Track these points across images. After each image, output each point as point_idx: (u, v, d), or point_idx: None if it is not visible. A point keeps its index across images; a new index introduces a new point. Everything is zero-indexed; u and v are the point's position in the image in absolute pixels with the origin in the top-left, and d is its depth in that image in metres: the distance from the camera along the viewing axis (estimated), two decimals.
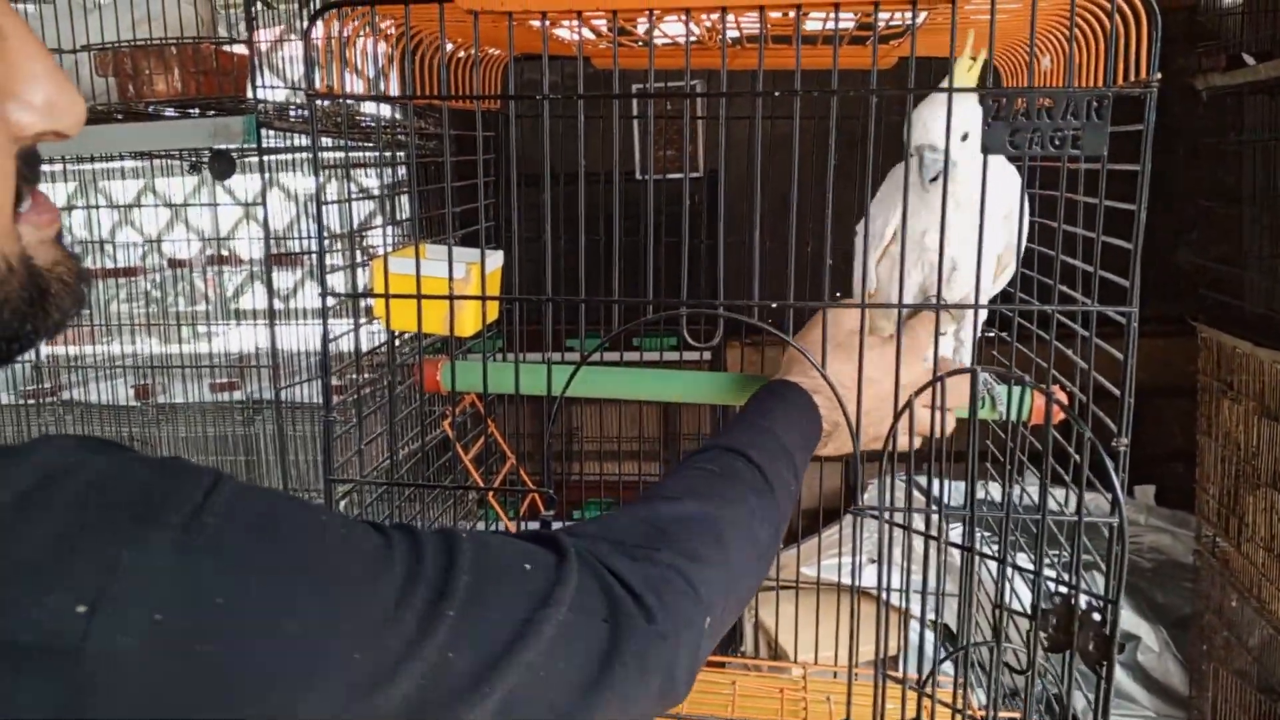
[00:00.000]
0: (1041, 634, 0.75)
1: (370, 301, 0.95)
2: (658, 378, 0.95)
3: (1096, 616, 0.72)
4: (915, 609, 2.13)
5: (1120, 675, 2.29)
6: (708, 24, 0.95)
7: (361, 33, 0.82)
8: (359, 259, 1.08)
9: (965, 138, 0.82)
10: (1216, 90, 1.97)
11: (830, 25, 0.93)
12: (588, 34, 0.97)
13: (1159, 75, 0.79)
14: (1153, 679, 2.29)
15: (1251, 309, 2.04)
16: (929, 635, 2.18)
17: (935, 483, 0.92)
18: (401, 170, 1.79)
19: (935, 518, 0.84)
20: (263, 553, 0.39)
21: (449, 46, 0.97)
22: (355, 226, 0.92)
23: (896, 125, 0.88)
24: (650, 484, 0.68)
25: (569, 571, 0.49)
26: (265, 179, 1.20)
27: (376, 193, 2.25)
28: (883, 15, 0.88)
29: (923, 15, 0.89)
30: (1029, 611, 0.77)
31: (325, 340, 0.81)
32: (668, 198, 0.79)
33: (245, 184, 2.68)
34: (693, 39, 0.99)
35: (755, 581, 0.65)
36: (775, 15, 0.87)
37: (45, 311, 0.41)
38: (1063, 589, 0.76)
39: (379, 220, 2.30)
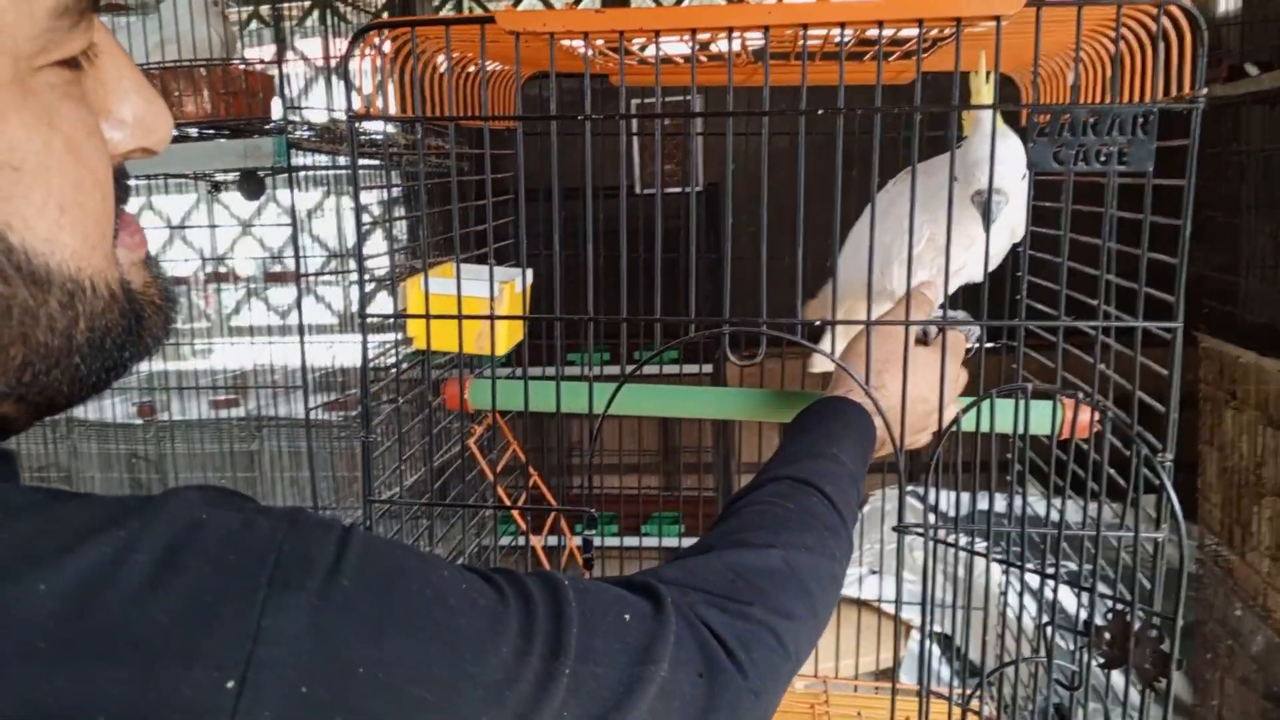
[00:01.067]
0: (1095, 650, 0.74)
1: (403, 321, 0.94)
2: (704, 396, 0.95)
3: (1154, 634, 0.72)
4: (928, 623, 2.12)
5: (1123, 684, 2.29)
6: (721, 44, 0.95)
7: (395, 55, 0.81)
8: (377, 279, 1.07)
9: (1024, 176, 0.84)
10: (1217, 100, 1.99)
11: (837, 41, 0.94)
12: (621, 51, 0.97)
13: (1205, 90, 0.80)
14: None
15: (1252, 318, 2.06)
16: (935, 651, 2.18)
17: (968, 497, 0.91)
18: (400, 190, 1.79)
19: (973, 534, 0.83)
20: (397, 616, 0.39)
21: (457, 65, 0.96)
22: (387, 247, 0.90)
23: (896, 141, 0.88)
24: (724, 516, 0.67)
25: (667, 624, 0.49)
26: (293, 197, 1.19)
27: (387, 214, 2.24)
28: (892, 32, 0.89)
29: (932, 32, 0.89)
30: (1079, 628, 0.77)
31: (365, 362, 0.80)
32: (666, 213, 0.80)
33: (243, 203, 2.66)
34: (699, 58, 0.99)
35: (828, 623, 0.65)
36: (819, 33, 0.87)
37: (140, 337, 0.40)
38: (1113, 605, 0.75)
39: (386, 242, 2.29)
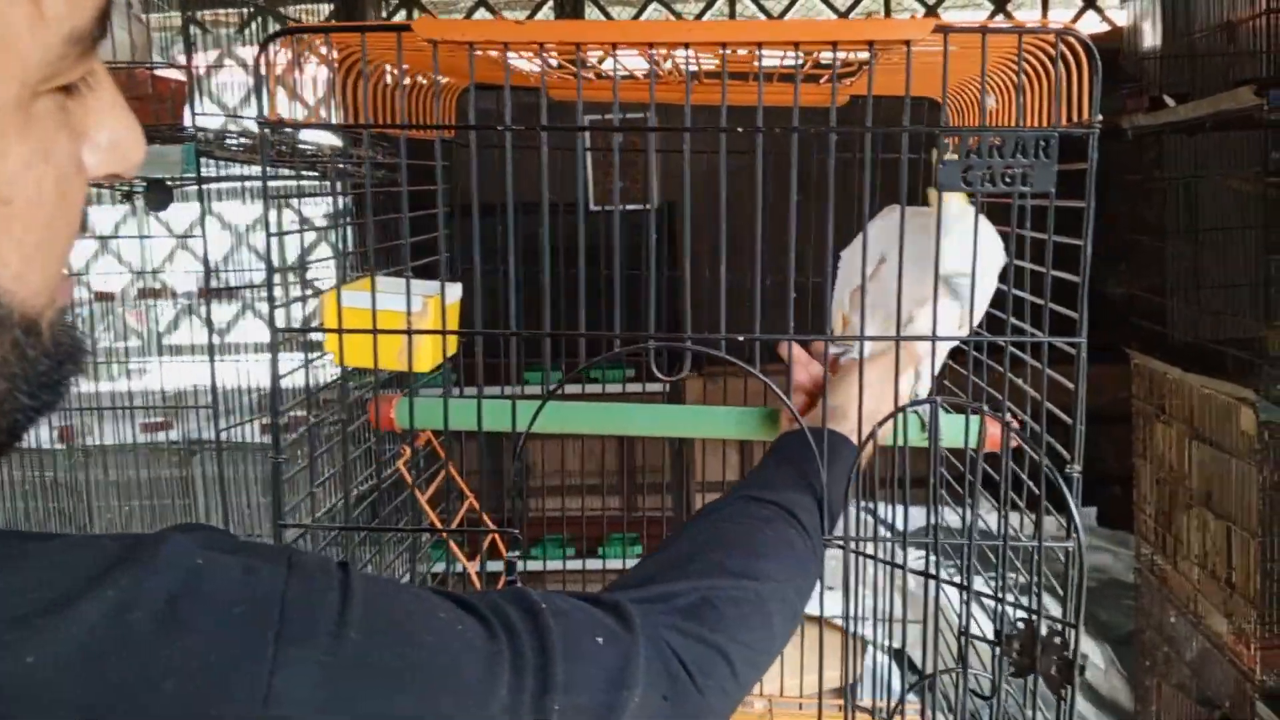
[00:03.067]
0: (1006, 660, 0.75)
1: (321, 336, 0.93)
2: (643, 413, 0.94)
3: (1058, 640, 0.73)
4: (877, 637, 2.14)
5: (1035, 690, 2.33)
6: (667, 61, 0.96)
7: (314, 60, 0.80)
8: (306, 293, 1.05)
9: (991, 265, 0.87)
10: (1140, 130, 2.07)
11: (788, 63, 0.95)
12: (549, 64, 0.97)
13: (1100, 117, 0.83)
14: (1100, 695, 2.34)
15: (1178, 336, 2.13)
16: (883, 661, 2.19)
17: (895, 510, 0.93)
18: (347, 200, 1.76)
19: (896, 545, 0.84)
20: (405, 668, 0.39)
21: (405, 76, 0.95)
22: (301, 259, 0.89)
23: (848, 161, 0.90)
24: (701, 525, 0.67)
25: (636, 646, 0.50)
26: (204, 208, 1.16)
27: (318, 223, 2.21)
28: (840, 54, 0.91)
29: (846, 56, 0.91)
30: (991, 638, 0.78)
31: (275, 378, 0.78)
32: (621, 230, 0.80)
33: (179, 213, 2.60)
34: (653, 73, 1.00)
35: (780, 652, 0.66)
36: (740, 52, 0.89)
37: (56, 388, 0.36)
38: (1023, 614, 0.77)
39: (322, 253, 2.26)
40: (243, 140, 1.37)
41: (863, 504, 0.83)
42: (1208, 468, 1.91)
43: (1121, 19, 2.68)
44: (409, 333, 0.82)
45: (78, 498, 2.22)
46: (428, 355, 0.92)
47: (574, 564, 2.23)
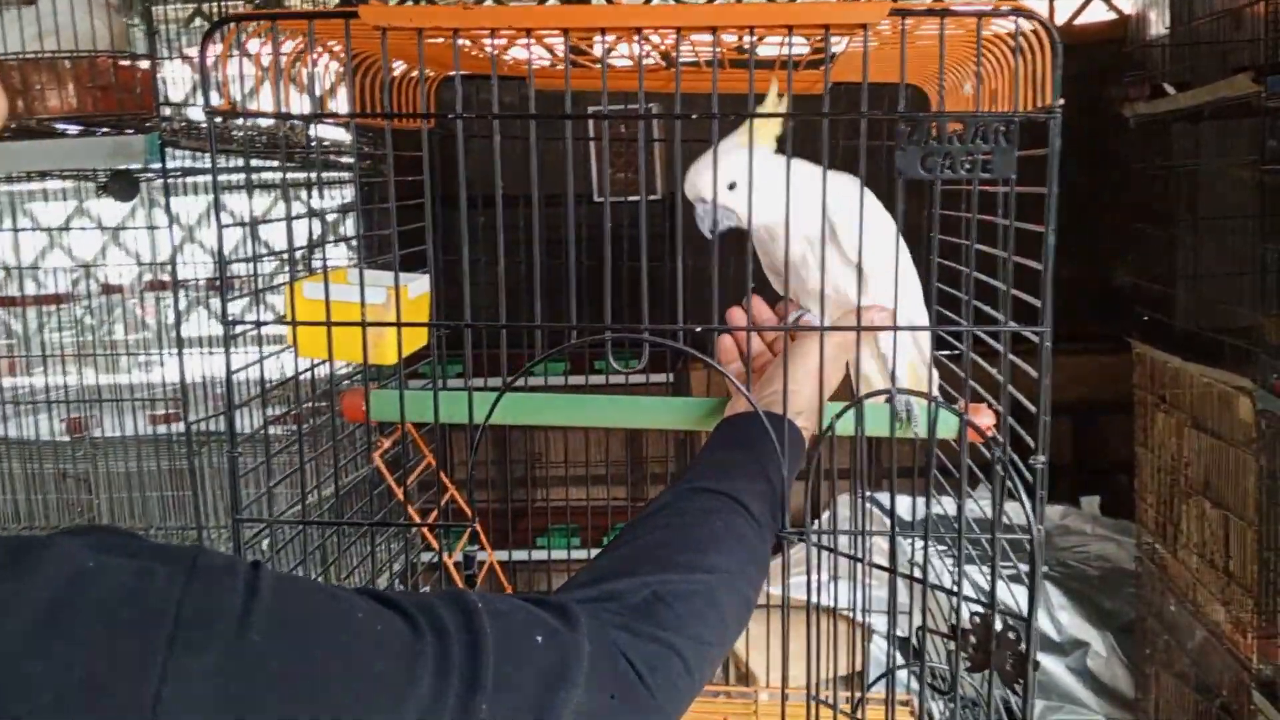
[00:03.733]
0: (962, 654, 0.75)
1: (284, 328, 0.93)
2: (611, 405, 0.94)
3: (1012, 635, 0.73)
4: (877, 626, 2.13)
5: (1070, 681, 2.32)
6: (660, 45, 0.96)
7: (266, 50, 0.80)
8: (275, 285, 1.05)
9: (733, 186, 0.85)
10: (1143, 118, 2.03)
11: (783, 50, 0.95)
12: (538, 54, 0.97)
13: (1062, 101, 0.81)
14: (1101, 683, 2.33)
15: (1181, 326, 2.10)
16: (876, 652, 2.18)
17: (862, 503, 0.92)
18: (325, 192, 1.77)
19: (862, 539, 0.84)
20: (311, 669, 0.38)
21: (390, 66, 0.96)
22: (257, 250, 0.90)
23: (850, 149, 0.89)
24: (649, 520, 0.66)
25: (580, 645, 0.49)
26: (168, 200, 1.17)
27: (283, 216, 2.22)
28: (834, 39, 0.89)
29: (844, 42, 0.91)
30: (948, 632, 0.78)
31: (229, 371, 0.79)
32: (618, 221, 0.80)
33: (187, 206, 2.63)
34: (647, 60, 1.00)
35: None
36: (729, 39, 0.88)
37: None
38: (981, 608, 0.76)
39: (287, 245, 2.27)
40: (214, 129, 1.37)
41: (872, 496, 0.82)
42: (1207, 457, 1.89)
43: (1128, 7, 2.64)
44: (363, 325, 0.83)
45: (86, 489, 2.25)
46: (390, 348, 0.92)
47: (579, 554, 2.24)
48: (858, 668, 2.07)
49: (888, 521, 0.86)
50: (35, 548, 0.34)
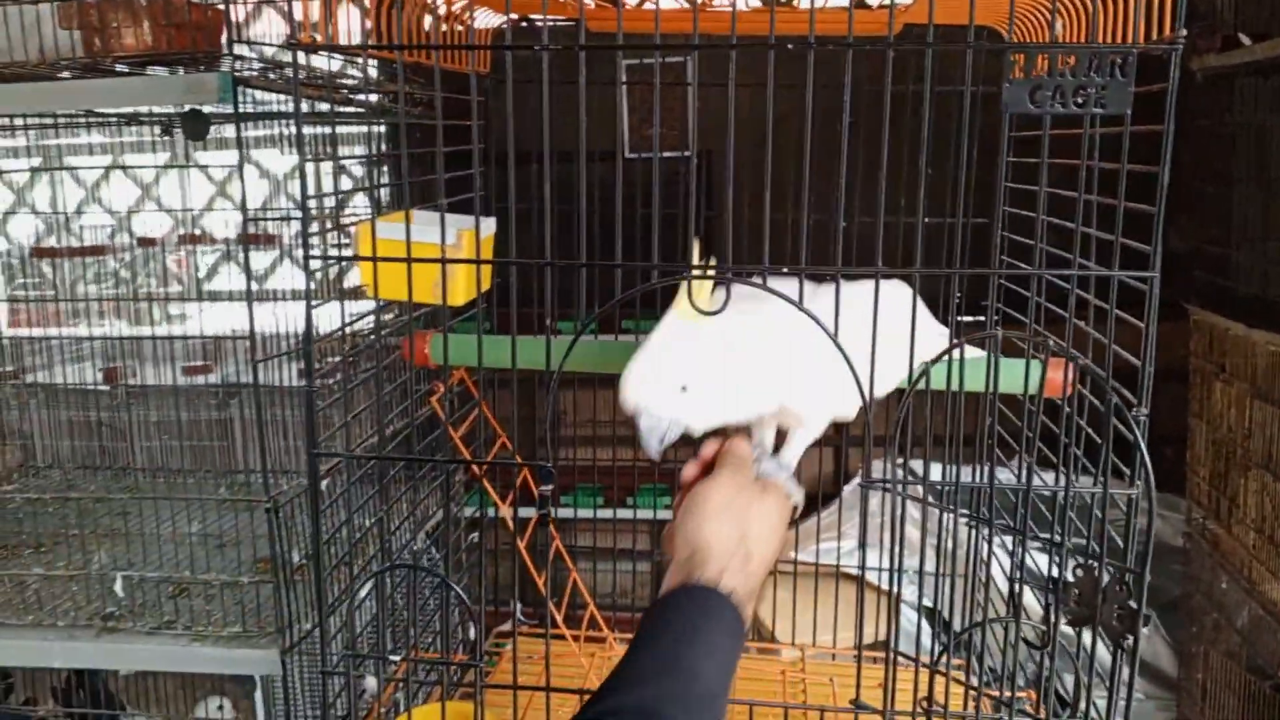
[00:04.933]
0: (1063, 609, 0.71)
1: (356, 270, 0.90)
2: None
3: (1120, 589, 0.69)
4: (908, 594, 2.11)
5: (1109, 658, 2.29)
6: None
7: None
8: (342, 231, 1.03)
9: (684, 389, 0.73)
10: (1211, 71, 1.95)
11: None
12: None
13: (1184, 32, 0.76)
14: (1142, 661, 2.29)
15: (1243, 290, 2.03)
16: (913, 616, 2.16)
17: (938, 467, 0.89)
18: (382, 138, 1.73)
19: (942, 495, 0.81)
20: None
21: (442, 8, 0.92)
22: (337, 192, 0.86)
23: (899, 97, 0.84)
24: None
25: None
26: (241, 144, 1.14)
27: (355, 162, 2.19)
28: None
29: None
30: (1047, 586, 0.74)
31: (309, 301, 0.76)
32: (654, 178, 0.76)
33: (219, 160, 2.60)
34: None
35: None
36: None
37: None
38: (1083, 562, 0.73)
39: (359, 193, 2.24)
40: (286, 73, 1.33)
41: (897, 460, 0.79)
42: (1271, 428, 1.83)
43: None
44: (443, 261, 0.80)
45: (121, 437, 2.25)
46: (462, 288, 0.89)
47: (604, 513, 2.23)
48: (882, 636, 2.06)
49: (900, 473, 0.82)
50: None
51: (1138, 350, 0.77)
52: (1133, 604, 0.67)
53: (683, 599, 0.65)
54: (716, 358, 0.73)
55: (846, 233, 0.78)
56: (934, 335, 0.85)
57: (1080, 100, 0.76)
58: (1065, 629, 0.73)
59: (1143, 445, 0.69)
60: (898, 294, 0.79)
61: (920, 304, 0.77)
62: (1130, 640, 0.67)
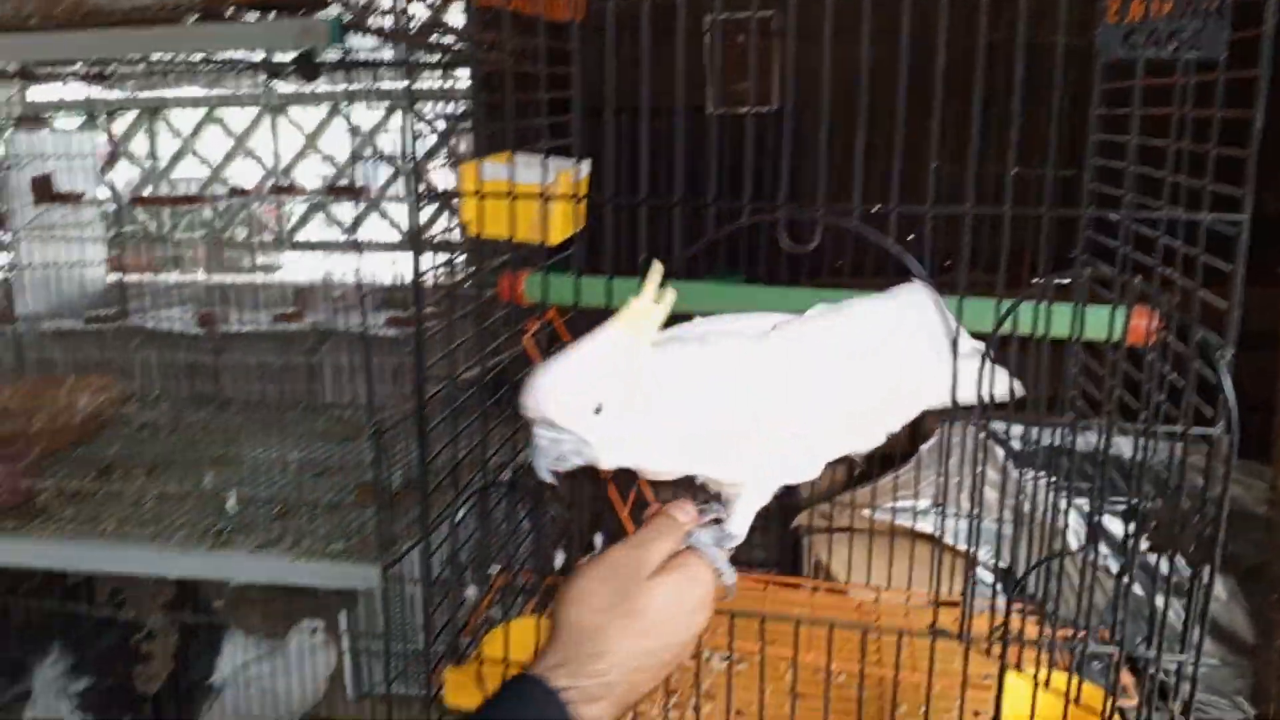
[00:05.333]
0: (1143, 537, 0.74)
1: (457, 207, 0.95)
2: (781, 297, 0.93)
3: (1198, 518, 0.71)
4: (981, 555, 2.10)
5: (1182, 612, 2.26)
6: None
7: None
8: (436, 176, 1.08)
9: (599, 410, 0.63)
10: None
11: None
12: None
13: None
14: (1219, 626, 2.26)
15: None
16: (989, 578, 2.16)
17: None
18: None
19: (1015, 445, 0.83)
20: None
21: None
22: (449, 129, 0.91)
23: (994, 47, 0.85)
24: None
25: None
26: (349, 83, 1.19)
27: (440, 126, 2.25)
28: None
29: None
30: (1124, 514, 0.76)
31: (416, 238, 0.81)
32: (735, 135, 0.76)
33: (306, 116, 2.70)
34: None
35: None
36: None
37: None
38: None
39: (444, 147, 2.31)
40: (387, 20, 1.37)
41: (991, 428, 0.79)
42: None
43: None
44: (543, 197, 0.84)
45: (214, 381, 2.39)
46: (559, 226, 0.94)
47: None
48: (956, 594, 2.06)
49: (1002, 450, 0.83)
50: None
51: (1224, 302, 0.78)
52: (1209, 532, 0.68)
53: (513, 685, 0.60)
54: (646, 389, 0.63)
55: (936, 173, 0.80)
56: (941, 366, 0.75)
57: (1174, 45, 0.76)
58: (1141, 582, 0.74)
59: (1227, 383, 0.70)
60: (908, 315, 0.73)
61: (936, 320, 0.74)
62: (1207, 571, 0.69)
